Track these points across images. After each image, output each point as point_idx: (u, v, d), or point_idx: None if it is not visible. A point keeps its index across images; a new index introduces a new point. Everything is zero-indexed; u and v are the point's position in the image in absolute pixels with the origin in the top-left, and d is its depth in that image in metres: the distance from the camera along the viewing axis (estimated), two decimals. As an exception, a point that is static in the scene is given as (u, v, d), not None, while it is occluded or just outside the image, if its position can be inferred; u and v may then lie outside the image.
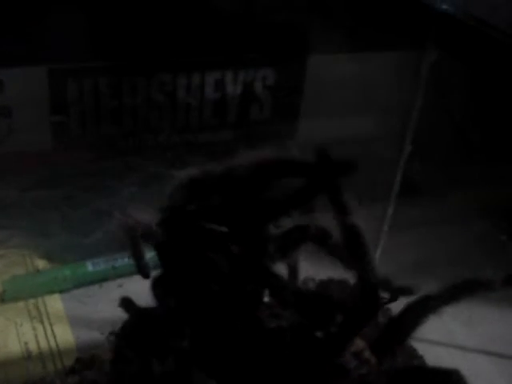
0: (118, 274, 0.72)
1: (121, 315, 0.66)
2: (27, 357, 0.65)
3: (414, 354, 0.64)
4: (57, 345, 0.66)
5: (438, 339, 0.68)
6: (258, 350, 0.43)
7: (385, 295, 0.54)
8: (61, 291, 0.71)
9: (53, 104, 0.78)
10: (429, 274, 0.50)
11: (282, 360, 0.43)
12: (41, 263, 0.73)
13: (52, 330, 0.67)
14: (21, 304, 0.70)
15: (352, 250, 0.41)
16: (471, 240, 0.79)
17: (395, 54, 0.78)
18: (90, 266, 0.72)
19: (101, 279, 0.72)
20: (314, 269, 0.62)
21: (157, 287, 0.47)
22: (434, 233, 0.77)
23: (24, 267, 0.72)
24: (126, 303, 0.49)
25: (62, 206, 0.68)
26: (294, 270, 0.53)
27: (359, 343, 0.45)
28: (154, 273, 0.47)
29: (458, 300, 0.45)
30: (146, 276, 0.50)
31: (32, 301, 0.70)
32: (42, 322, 0.68)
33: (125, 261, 0.71)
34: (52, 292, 0.71)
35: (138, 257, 0.49)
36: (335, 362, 0.43)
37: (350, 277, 0.43)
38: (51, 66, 0.76)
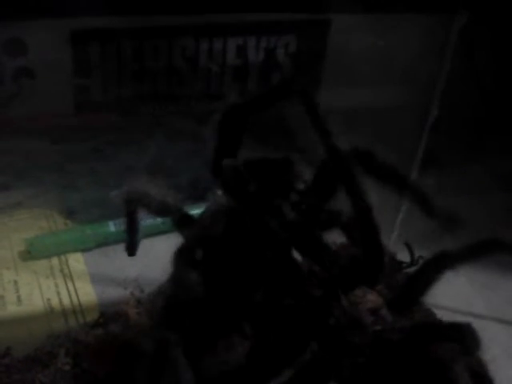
0: (141, 234, 0.72)
1: (142, 273, 0.67)
2: (50, 312, 0.66)
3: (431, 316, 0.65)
4: (79, 301, 0.67)
5: (455, 306, 0.68)
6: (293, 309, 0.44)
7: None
8: (83, 249, 0.72)
9: (75, 67, 0.78)
10: (449, 243, 0.50)
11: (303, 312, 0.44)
12: (64, 222, 0.74)
13: (74, 287, 0.68)
14: (44, 261, 0.71)
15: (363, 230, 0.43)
16: (491, 211, 0.79)
17: (423, 16, 0.77)
18: (112, 226, 0.73)
19: (123, 239, 0.73)
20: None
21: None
22: (453, 204, 0.77)
23: (48, 223, 0.73)
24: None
25: (90, 159, 0.69)
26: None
27: (377, 300, 0.45)
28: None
29: (475, 258, 0.46)
30: (132, 253, 0.51)
31: (55, 258, 0.71)
32: (64, 278, 0.69)
33: (146, 221, 0.72)
34: (74, 250, 0.72)
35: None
36: (351, 317, 0.44)
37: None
38: (74, 29, 0.76)
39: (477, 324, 0.44)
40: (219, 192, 0.47)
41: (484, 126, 0.78)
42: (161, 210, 0.49)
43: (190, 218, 0.49)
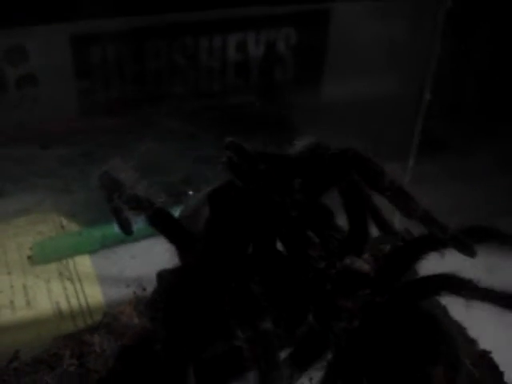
0: (144, 234, 0.73)
1: (147, 273, 0.67)
2: (58, 314, 0.66)
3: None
4: (87, 303, 0.67)
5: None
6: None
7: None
8: (90, 252, 0.73)
9: (77, 70, 0.79)
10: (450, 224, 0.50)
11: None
12: (69, 225, 0.74)
13: (82, 289, 0.69)
14: (51, 264, 0.71)
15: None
16: (490, 195, 0.78)
17: (410, 2, 0.76)
18: (117, 228, 0.73)
19: (129, 239, 0.73)
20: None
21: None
22: (457, 187, 0.76)
23: (53, 229, 0.74)
24: None
25: (81, 162, 0.69)
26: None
27: (364, 266, 0.47)
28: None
29: (467, 248, 0.46)
30: (128, 231, 0.51)
31: (62, 261, 0.72)
32: (72, 281, 0.70)
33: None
34: (81, 253, 0.73)
35: (116, 213, 0.50)
36: (343, 282, 0.45)
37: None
38: (73, 33, 0.77)
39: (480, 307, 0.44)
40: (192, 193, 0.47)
41: (478, 109, 0.77)
42: (131, 202, 0.49)
43: (165, 213, 0.49)
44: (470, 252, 0.44)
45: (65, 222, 0.73)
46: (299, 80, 0.88)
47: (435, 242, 0.46)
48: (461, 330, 0.59)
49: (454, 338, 0.44)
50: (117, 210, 0.49)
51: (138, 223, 0.73)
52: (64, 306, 0.67)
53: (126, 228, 0.51)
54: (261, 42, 0.85)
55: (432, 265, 0.49)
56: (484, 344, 0.60)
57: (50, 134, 0.71)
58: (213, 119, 0.82)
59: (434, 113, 0.71)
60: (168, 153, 0.68)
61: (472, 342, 0.59)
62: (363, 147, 0.46)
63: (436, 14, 0.68)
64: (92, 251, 0.73)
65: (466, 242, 0.45)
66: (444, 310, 0.56)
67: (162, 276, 0.51)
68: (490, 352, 0.60)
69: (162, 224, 0.49)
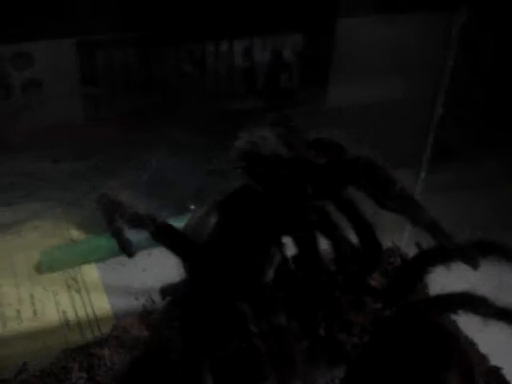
0: (151, 244, 0.72)
1: (154, 284, 0.67)
2: (65, 325, 0.66)
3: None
4: (94, 313, 0.67)
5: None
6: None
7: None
8: (96, 261, 0.73)
9: (82, 76, 0.78)
10: (461, 237, 0.50)
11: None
12: (76, 234, 0.74)
13: (89, 299, 0.69)
14: (58, 274, 0.71)
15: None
16: (499, 204, 0.78)
17: (425, 15, 0.76)
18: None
19: (137, 248, 0.73)
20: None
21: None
22: (466, 196, 0.76)
23: (60, 238, 0.74)
24: None
25: (92, 176, 0.69)
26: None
27: (375, 280, 0.48)
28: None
29: (470, 259, 0.46)
30: (129, 253, 0.51)
31: (69, 271, 0.71)
32: (79, 291, 0.70)
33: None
34: (88, 262, 0.72)
35: (116, 235, 0.50)
36: (354, 297, 0.45)
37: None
38: (79, 39, 0.76)
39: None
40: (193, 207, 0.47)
41: (489, 121, 0.77)
42: (133, 220, 0.49)
43: (168, 227, 0.48)
44: (474, 263, 0.44)
45: (75, 234, 0.73)
46: (305, 86, 0.88)
47: (443, 255, 0.46)
48: (472, 345, 0.59)
49: (465, 346, 0.45)
50: (118, 232, 0.49)
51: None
52: (71, 316, 0.67)
53: (128, 250, 0.51)
54: (267, 49, 0.85)
55: (444, 281, 0.49)
56: (495, 360, 0.60)
57: (59, 143, 0.71)
58: (219, 125, 0.82)
59: (447, 123, 0.71)
60: (180, 166, 0.68)
61: (483, 358, 0.59)
62: (372, 155, 0.46)
63: (450, 27, 0.68)
64: (100, 260, 0.72)
65: (471, 252, 0.45)
66: (454, 325, 0.56)
67: (165, 291, 0.51)
68: (501, 368, 0.60)
69: (166, 238, 0.49)
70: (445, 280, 0.48)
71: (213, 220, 0.49)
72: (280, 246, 0.46)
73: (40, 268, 0.71)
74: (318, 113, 0.86)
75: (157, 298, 0.64)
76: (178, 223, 0.49)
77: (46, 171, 0.68)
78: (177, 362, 0.43)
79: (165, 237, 0.49)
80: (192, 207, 0.68)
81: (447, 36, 0.69)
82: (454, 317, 0.49)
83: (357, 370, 0.44)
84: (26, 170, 0.66)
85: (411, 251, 0.69)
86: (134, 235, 0.73)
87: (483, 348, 0.60)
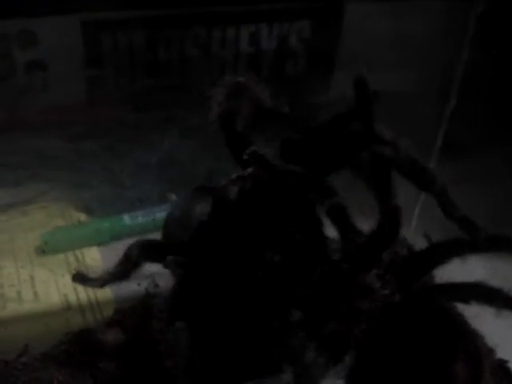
0: (155, 227, 0.72)
1: (157, 267, 0.66)
2: (67, 308, 0.66)
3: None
4: (96, 296, 0.66)
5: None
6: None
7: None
8: (99, 244, 0.72)
9: (87, 57, 0.77)
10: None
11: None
12: (79, 216, 0.73)
13: (91, 282, 0.68)
14: (60, 256, 0.71)
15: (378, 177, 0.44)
16: (509, 199, 0.78)
17: (440, 4, 0.75)
18: (127, 220, 0.73)
19: (138, 232, 0.72)
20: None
21: None
22: (473, 190, 0.76)
23: (63, 219, 0.73)
24: None
25: (103, 157, 0.68)
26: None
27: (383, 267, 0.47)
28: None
29: (484, 251, 0.46)
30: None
31: (70, 253, 0.71)
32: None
33: (162, 214, 0.72)
34: (90, 244, 0.72)
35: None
36: (361, 283, 0.45)
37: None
38: (84, 19, 0.76)
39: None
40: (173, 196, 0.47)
41: (502, 115, 0.77)
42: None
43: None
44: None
45: (76, 215, 0.72)
46: (311, 74, 0.87)
47: (459, 248, 0.46)
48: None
49: (472, 334, 0.44)
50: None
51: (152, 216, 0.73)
52: (72, 299, 0.66)
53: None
54: (273, 35, 0.84)
55: (450, 274, 0.48)
56: (502, 353, 0.60)
57: (68, 123, 0.70)
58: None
59: (458, 116, 0.71)
60: (192, 149, 0.67)
61: (490, 351, 0.59)
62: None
63: (467, 18, 0.67)
64: (102, 244, 0.72)
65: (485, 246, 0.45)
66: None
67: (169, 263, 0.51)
68: (507, 361, 0.59)
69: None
70: (450, 274, 0.48)
71: (199, 209, 0.49)
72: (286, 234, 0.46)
73: (41, 249, 0.70)
74: (323, 101, 0.86)
75: (161, 282, 0.64)
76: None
77: (55, 151, 0.67)
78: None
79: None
80: (173, 197, 0.68)
81: (463, 27, 0.68)
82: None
83: (364, 356, 0.44)
84: (35, 149, 0.66)
85: (418, 242, 0.69)
86: (137, 218, 0.73)
87: (490, 341, 0.60)
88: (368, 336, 0.44)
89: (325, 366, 0.42)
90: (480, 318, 0.46)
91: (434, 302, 0.45)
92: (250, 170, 0.47)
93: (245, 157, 0.44)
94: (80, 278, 0.58)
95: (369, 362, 0.44)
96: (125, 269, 0.52)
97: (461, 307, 0.47)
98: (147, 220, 0.73)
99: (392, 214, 0.45)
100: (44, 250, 0.70)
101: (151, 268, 0.67)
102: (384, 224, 0.45)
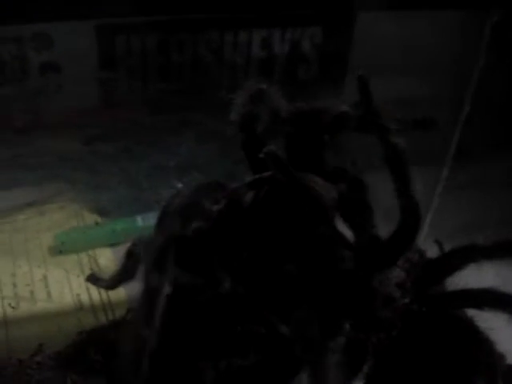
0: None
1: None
2: (79, 308, 0.66)
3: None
4: (108, 297, 0.67)
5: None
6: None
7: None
8: (112, 245, 0.72)
9: (101, 60, 0.78)
10: (480, 235, 0.50)
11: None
12: (95, 217, 0.74)
13: (103, 283, 0.68)
14: (73, 257, 0.71)
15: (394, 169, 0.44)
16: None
17: (454, 12, 0.76)
18: (140, 221, 0.73)
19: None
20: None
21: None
22: (486, 195, 0.76)
23: (79, 220, 0.73)
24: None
25: (121, 159, 0.69)
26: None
27: (401, 275, 0.47)
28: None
29: (501, 257, 0.46)
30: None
31: (84, 254, 0.71)
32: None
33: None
34: (104, 245, 0.72)
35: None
36: (383, 292, 0.45)
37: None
38: (99, 22, 0.76)
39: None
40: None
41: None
42: None
43: None
44: None
45: (91, 216, 0.73)
46: (322, 79, 0.88)
47: (474, 254, 0.46)
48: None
49: (490, 344, 0.45)
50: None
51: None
52: (85, 299, 0.67)
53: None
54: (286, 40, 0.85)
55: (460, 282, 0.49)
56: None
57: (87, 128, 0.70)
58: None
59: (472, 123, 0.71)
60: (209, 152, 0.68)
61: (501, 357, 0.59)
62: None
63: (482, 27, 0.68)
64: (115, 245, 0.72)
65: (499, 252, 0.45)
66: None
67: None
68: (518, 367, 0.59)
69: None
70: (460, 280, 0.48)
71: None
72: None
73: (55, 250, 0.71)
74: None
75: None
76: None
77: (73, 152, 0.68)
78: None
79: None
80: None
81: (478, 35, 0.69)
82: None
83: (383, 365, 0.44)
84: (54, 150, 0.66)
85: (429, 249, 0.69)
86: (149, 220, 0.74)
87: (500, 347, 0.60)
88: (387, 345, 0.44)
89: (343, 375, 0.42)
90: (490, 323, 0.47)
91: (451, 311, 0.46)
92: (266, 174, 0.47)
93: (261, 155, 0.44)
94: (93, 278, 0.59)
95: (387, 371, 0.44)
96: (130, 266, 0.52)
97: (471, 312, 0.47)
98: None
99: (412, 209, 0.45)
100: (60, 250, 0.70)
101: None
102: (405, 219, 0.45)
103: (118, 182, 0.65)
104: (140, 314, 0.43)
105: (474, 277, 0.47)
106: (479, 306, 0.44)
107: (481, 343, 0.43)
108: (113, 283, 0.57)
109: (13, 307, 0.64)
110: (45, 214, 0.71)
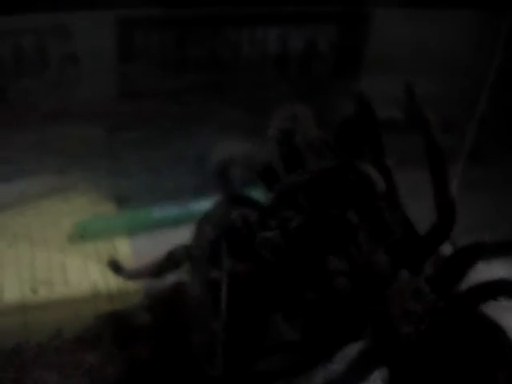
0: (185, 219, 0.74)
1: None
2: (96, 295, 0.67)
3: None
4: (125, 285, 0.67)
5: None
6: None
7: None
8: (130, 234, 0.73)
9: (119, 54, 0.79)
10: (491, 235, 0.50)
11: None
12: (109, 207, 0.75)
13: (120, 271, 0.69)
14: (91, 245, 0.72)
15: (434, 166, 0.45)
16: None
17: (471, 12, 0.76)
18: (157, 211, 0.74)
19: (167, 224, 0.74)
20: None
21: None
22: (499, 196, 0.76)
23: (97, 210, 0.74)
24: None
25: (143, 147, 0.70)
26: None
27: (429, 271, 0.47)
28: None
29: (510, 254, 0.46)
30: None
31: (102, 242, 0.72)
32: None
33: (191, 207, 0.73)
34: (121, 235, 0.73)
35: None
36: (415, 286, 0.45)
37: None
38: (119, 16, 0.77)
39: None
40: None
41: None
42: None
43: None
44: None
45: (111, 205, 0.73)
46: (337, 77, 0.89)
47: (484, 252, 0.47)
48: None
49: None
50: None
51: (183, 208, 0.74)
52: (102, 286, 0.68)
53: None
54: (301, 37, 0.86)
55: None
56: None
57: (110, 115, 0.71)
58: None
59: (487, 124, 0.72)
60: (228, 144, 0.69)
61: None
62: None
63: (498, 28, 0.68)
64: (132, 234, 0.73)
65: None
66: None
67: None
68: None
69: None
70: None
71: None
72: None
73: (74, 238, 0.72)
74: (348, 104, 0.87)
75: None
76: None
77: (98, 140, 0.69)
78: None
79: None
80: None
81: (494, 36, 0.69)
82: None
83: (410, 361, 0.44)
84: (78, 137, 0.67)
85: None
86: (174, 210, 0.75)
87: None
88: (416, 339, 0.44)
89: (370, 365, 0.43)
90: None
91: (474, 308, 0.45)
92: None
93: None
94: (114, 266, 0.60)
95: (415, 365, 0.44)
96: (163, 268, 0.53)
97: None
98: (175, 213, 0.75)
99: (449, 206, 0.46)
100: (76, 237, 0.71)
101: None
102: (441, 216, 0.46)
103: (139, 170, 0.66)
104: (205, 308, 0.43)
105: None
106: (494, 296, 0.45)
107: (502, 340, 0.44)
108: (134, 276, 0.58)
109: (34, 292, 0.65)
110: (63, 200, 0.71)
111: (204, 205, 0.71)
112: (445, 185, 0.46)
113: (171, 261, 0.52)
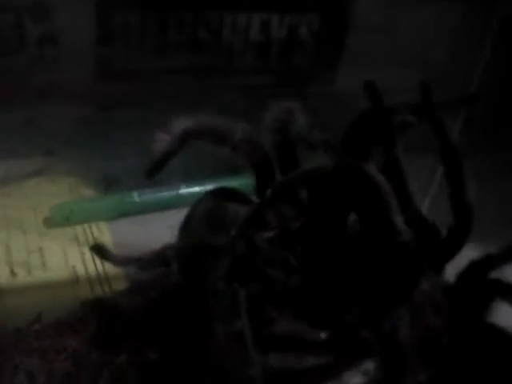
0: (164, 206, 0.73)
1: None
2: (75, 279, 0.65)
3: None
4: (104, 270, 0.66)
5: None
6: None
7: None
8: (107, 219, 0.72)
9: (98, 35, 0.77)
10: (477, 227, 0.50)
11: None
12: (96, 189, 0.73)
13: (100, 256, 0.68)
14: (68, 229, 0.70)
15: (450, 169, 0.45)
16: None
17: (459, 5, 0.76)
18: (136, 197, 0.73)
19: (146, 210, 0.73)
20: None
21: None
22: (484, 184, 0.77)
23: (80, 192, 0.73)
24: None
25: (136, 128, 0.68)
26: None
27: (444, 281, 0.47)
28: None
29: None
30: (148, 175, 0.51)
31: (79, 227, 0.71)
32: (89, 247, 0.69)
33: (171, 193, 0.72)
34: (99, 219, 0.72)
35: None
36: (434, 300, 0.44)
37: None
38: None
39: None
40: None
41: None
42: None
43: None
44: None
45: (85, 190, 0.72)
46: (318, 66, 0.89)
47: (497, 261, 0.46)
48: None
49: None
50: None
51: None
52: (81, 271, 0.66)
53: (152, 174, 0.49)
54: (284, 25, 0.85)
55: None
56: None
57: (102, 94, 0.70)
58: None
59: (475, 117, 0.72)
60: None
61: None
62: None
63: (488, 20, 0.68)
64: (110, 219, 0.72)
65: None
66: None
67: None
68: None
69: None
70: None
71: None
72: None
73: (50, 222, 0.70)
74: (330, 95, 0.87)
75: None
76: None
77: (88, 119, 0.67)
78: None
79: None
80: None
81: (484, 28, 0.69)
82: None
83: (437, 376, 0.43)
84: (69, 115, 0.66)
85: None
86: (146, 196, 0.74)
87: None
88: (439, 352, 0.43)
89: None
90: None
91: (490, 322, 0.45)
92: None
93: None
94: (98, 250, 0.58)
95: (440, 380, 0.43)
96: (151, 265, 0.52)
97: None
98: (154, 198, 0.74)
99: (466, 212, 0.46)
100: (52, 221, 0.70)
101: (162, 243, 0.68)
102: (458, 222, 0.45)
103: (131, 151, 0.64)
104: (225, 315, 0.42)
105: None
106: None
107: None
108: (119, 262, 0.57)
109: (13, 274, 0.64)
110: (55, 182, 0.70)
111: (194, 189, 0.71)
112: (462, 188, 0.46)
113: (161, 259, 0.51)
